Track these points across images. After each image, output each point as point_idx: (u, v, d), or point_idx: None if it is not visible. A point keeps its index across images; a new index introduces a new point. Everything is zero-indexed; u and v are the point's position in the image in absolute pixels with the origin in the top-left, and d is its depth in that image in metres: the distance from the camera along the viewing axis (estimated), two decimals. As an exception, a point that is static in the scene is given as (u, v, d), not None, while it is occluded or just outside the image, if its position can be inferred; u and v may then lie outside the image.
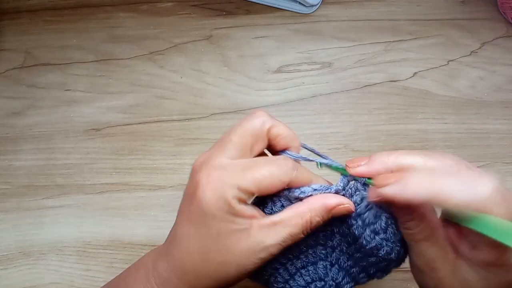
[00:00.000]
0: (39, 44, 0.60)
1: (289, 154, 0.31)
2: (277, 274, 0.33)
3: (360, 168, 0.29)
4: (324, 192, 0.30)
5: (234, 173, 0.27)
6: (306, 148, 0.33)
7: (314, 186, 0.30)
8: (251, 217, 0.28)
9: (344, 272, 0.33)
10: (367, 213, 0.29)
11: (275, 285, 0.33)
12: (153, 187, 0.52)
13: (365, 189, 0.30)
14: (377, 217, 0.29)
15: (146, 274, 0.30)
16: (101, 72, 0.58)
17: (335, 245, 0.33)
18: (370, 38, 0.58)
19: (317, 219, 0.29)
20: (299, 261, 0.33)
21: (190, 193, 0.28)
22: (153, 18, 0.61)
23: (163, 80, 0.57)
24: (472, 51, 0.57)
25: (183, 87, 0.57)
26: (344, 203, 0.29)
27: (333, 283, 0.33)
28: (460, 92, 0.55)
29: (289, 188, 0.29)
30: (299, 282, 0.33)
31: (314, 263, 0.33)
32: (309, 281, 0.33)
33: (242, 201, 0.27)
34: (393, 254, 0.30)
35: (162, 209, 0.51)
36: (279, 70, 0.57)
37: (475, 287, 0.27)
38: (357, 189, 0.30)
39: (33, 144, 0.55)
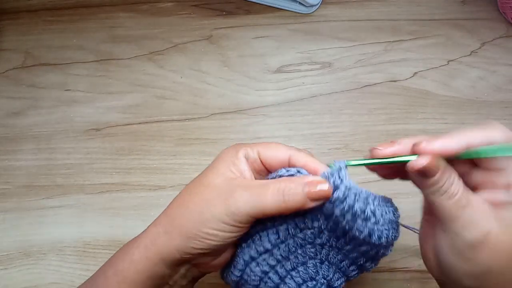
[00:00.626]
0: (39, 44, 0.60)
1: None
2: (266, 279, 0.33)
3: (390, 148, 0.29)
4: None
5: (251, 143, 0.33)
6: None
7: (300, 169, 0.31)
8: (242, 173, 0.31)
9: (334, 268, 0.33)
10: (356, 204, 0.29)
11: None
12: (153, 187, 0.52)
13: (342, 181, 0.30)
14: (365, 203, 0.29)
15: (127, 251, 0.32)
16: (101, 72, 0.58)
17: (324, 242, 0.32)
18: (370, 38, 0.58)
19: (291, 185, 0.29)
20: (289, 262, 0.33)
21: None
22: (153, 18, 0.61)
23: (163, 80, 0.57)
24: (472, 51, 0.57)
25: (183, 87, 0.57)
26: (322, 182, 0.29)
27: (324, 280, 0.33)
28: (460, 92, 0.55)
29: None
30: (290, 285, 0.33)
31: (304, 263, 0.33)
32: (300, 282, 0.33)
33: (247, 159, 0.32)
34: (383, 238, 0.30)
35: (162, 209, 0.51)
36: (279, 70, 0.57)
37: None
38: (341, 182, 0.29)
39: (33, 144, 0.55)
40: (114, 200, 0.52)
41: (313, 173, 0.31)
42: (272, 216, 0.31)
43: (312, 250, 0.33)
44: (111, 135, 0.55)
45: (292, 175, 0.31)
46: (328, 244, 0.32)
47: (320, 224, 0.31)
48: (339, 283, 0.34)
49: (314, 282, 0.33)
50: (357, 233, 0.30)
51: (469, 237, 0.27)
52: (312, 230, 0.32)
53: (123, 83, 0.57)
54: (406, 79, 0.56)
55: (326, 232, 0.32)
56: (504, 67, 0.56)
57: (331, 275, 0.33)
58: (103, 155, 0.54)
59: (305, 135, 0.54)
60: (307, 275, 0.33)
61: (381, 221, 0.30)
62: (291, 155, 0.32)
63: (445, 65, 0.57)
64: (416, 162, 0.28)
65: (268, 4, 0.61)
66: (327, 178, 0.29)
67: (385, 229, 0.30)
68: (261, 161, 0.32)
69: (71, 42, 0.60)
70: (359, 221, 0.29)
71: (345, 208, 0.29)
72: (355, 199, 0.29)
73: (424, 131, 0.53)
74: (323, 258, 0.33)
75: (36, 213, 0.51)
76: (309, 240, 0.32)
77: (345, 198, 0.29)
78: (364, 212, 0.29)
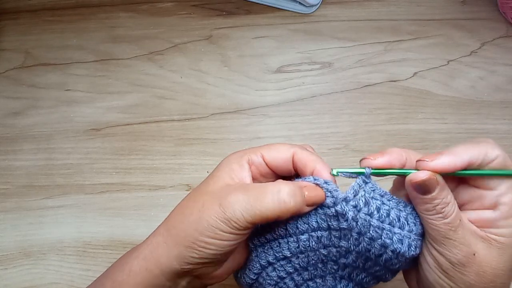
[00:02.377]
0: (39, 44, 0.60)
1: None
2: (282, 284, 0.32)
3: (380, 159, 0.29)
4: (332, 193, 0.29)
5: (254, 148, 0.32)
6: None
7: (328, 181, 0.29)
8: (242, 179, 0.31)
9: (353, 284, 0.33)
10: (390, 214, 0.29)
11: None
12: (153, 187, 0.52)
13: (382, 196, 0.30)
14: (398, 211, 0.29)
15: (126, 260, 0.31)
16: (101, 72, 0.58)
17: (348, 263, 0.31)
18: (370, 38, 0.58)
19: (291, 187, 0.29)
20: (307, 272, 0.32)
21: None
22: (153, 18, 0.61)
23: (163, 80, 0.57)
24: (472, 51, 0.57)
25: (183, 87, 0.57)
26: (317, 188, 0.29)
27: None
28: (460, 92, 0.55)
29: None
30: None
31: (323, 276, 0.32)
32: None
33: (252, 164, 0.31)
34: (417, 248, 0.30)
35: (162, 209, 0.51)
36: (279, 70, 0.57)
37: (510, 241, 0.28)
38: (371, 199, 0.29)
39: (33, 144, 0.55)
40: (114, 200, 0.52)
41: (318, 175, 0.30)
42: (291, 225, 0.30)
43: (335, 267, 0.32)
44: (111, 135, 0.55)
45: (318, 184, 0.29)
46: (354, 265, 0.31)
47: (350, 245, 0.30)
48: None
49: None
50: (396, 246, 0.29)
51: (457, 257, 0.28)
52: (338, 249, 0.30)
53: (123, 83, 0.57)
54: (406, 79, 0.56)
55: (354, 253, 0.30)
56: (504, 67, 0.56)
57: None
58: (103, 155, 0.54)
59: (305, 135, 0.54)
60: (325, 287, 0.32)
61: (414, 230, 0.29)
62: (294, 152, 0.31)
63: (445, 65, 0.57)
64: (416, 175, 0.28)
65: (268, 4, 0.61)
66: (353, 195, 0.29)
67: (418, 238, 0.30)
68: (266, 164, 0.31)
69: (71, 42, 0.60)
70: (396, 230, 0.29)
71: (380, 219, 0.29)
72: (387, 213, 0.29)
73: (424, 131, 0.53)
74: (344, 276, 0.32)
75: (36, 213, 0.51)
76: (333, 258, 0.31)
77: (378, 213, 0.29)
78: (398, 220, 0.29)
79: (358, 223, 0.28)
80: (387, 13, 0.60)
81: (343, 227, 0.29)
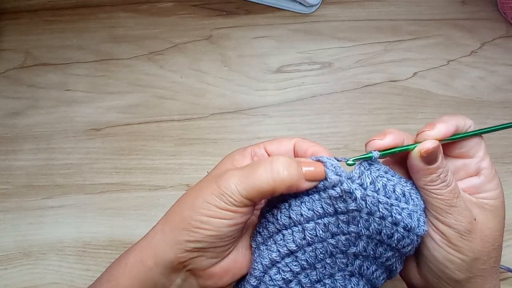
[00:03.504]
0: (39, 44, 0.60)
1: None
2: None
3: (387, 139, 0.30)
4: (336, 169, 0.27)
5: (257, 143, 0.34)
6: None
7: (331, 158, 0.29)
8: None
9: (364, 280, 0.30)
10: (396, 190, 0.29)
11: None
12: (153, 187, 0.52)
13: (386, 173, 0.30)
14: (402, 186, 0.29)
15: (127, 255, 0.31)
16: (101, 72, 0.58)
17: (359, 251, 0.29)
18: (370, 38, 0.58)
19: (285, 158, 0.28)
20: (315, 272, 0.29)
21: None
22: (153, 18, 0.61)
23: (163, 80, 0.57)
24: (472, 51, 0.57)
25: (183, 87, 0.57)
26: (317, 163, 0.29)
27: None
28: (460, 92, 0.55)
29: None
30: None
31: (332, 275, 0.30)
32: None
33: (254, 156, 0.32)
34: (425, 224, 0.29)
35: (162, 209, 0.50)
36: (279, 70, 0.57)
37: (495, 202, 0.31)
38: (378, 177, 0.29)
39: (33, 144, 0.55)
40: (114, 200, 0.52)
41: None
42: (295, 212, 0.28)
43: (344, 260, 0.29)
44: (111, 135, 0.55)
45: (320, 161, 0.28)
46: (364, 253, 0.29)
47: (360, 229, 0.28)
48: None
49: None
50: (405, 221, 0.28)
51: (463, 224, 0.29)
52: (347, 236, 0.28)
53: (123, 83, 0.57)
54: (406, 79, 0.56)
55: (364, 238, 0.28)
56: (504, 67, 0.56)
57: None
58: (103, 155, 0.54)
59: (305, 135, 0.54)
60: None
61: (418, 204, 0.30)
62: (296, 142, 0.32)
63: (445, 65, 0.57)
64: (426, 145, 0.29)
65: (268, 4, 0.61)
66: (358, 177, 0.28)
67: (424, 214, 0.30)
68: (269, 156, 0.32)
69: (71, 42, 0.60)
70: (403, 205, 0.28)
71: (388, 196, 0.28)
72: (393, 189, 0.29)
73: (424, 131, 0.53)
74: (354, 271, 0.30)
75: (36, 213, 0.51)
76: (342, 248, 0.29)
77: (384, 189, 0.28)
78: (404, 196, 0.29)
79: (367, 201, 0.27)
80: (387, 13, 0.60)
81: (352, 209, 0.27)
